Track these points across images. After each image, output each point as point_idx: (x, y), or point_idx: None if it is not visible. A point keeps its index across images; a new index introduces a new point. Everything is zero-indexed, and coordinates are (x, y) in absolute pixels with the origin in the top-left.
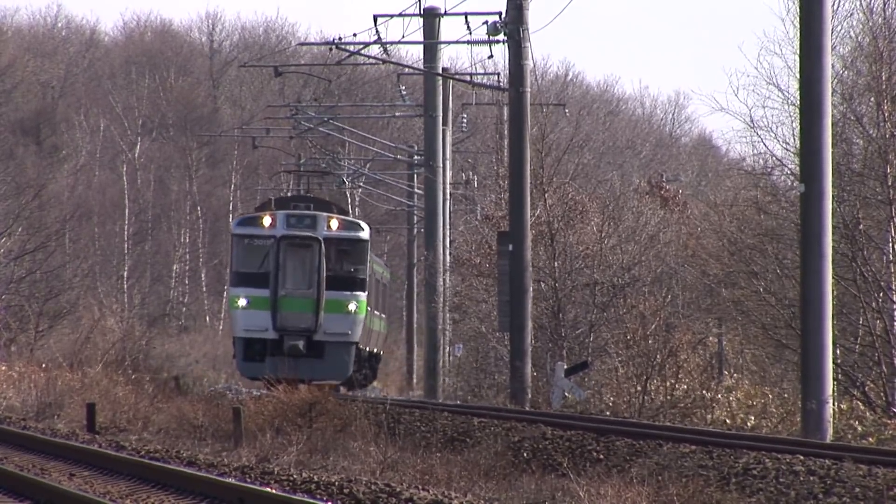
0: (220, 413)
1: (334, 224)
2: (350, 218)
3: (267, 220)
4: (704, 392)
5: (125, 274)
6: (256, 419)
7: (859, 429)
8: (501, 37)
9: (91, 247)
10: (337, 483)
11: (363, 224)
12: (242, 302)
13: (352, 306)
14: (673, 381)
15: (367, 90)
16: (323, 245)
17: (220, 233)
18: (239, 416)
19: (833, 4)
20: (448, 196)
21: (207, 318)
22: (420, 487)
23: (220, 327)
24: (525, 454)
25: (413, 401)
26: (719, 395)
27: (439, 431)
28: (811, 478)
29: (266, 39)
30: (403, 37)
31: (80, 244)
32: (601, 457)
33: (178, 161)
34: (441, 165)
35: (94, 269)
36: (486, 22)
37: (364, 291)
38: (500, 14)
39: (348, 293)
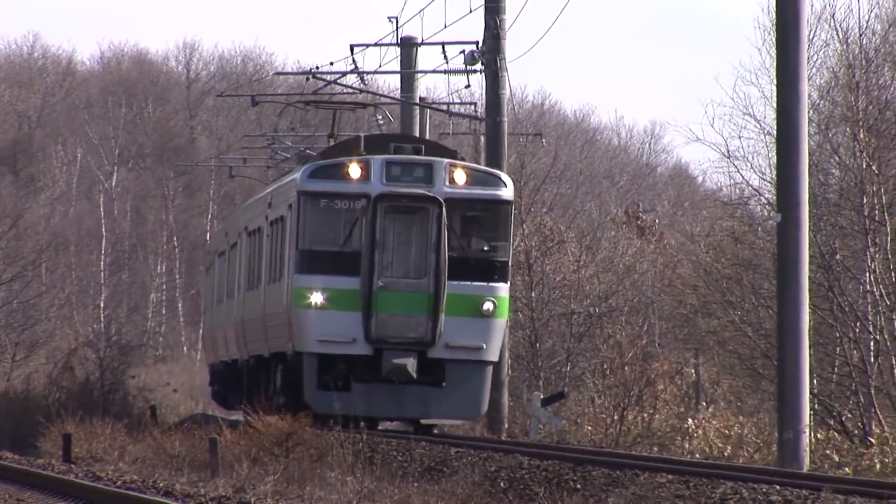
0: (197, 443)
1: (460, 176)
2: (484, 168)
3: (355, 170)
4: (681, 422)
5: (101, 304)
6: (233, 449)
7: (836, 459)
8: (479, 66)
9: (68, 276)
10: None
11: (504, 177)
12: (317, 298)
13: (488, 305)
14: (651, 410)
15: (344, 119)
16: (445, 209)
17: (196, 263)
18: (215, 446)
19: (809, 34)
20: None
21: (185, 349)
22: None
23: (198, 357)
24: (502, 484)
25: (390, 430)
26: (696, 425)
27: (416, 461)
28: None
29: (243, 69)
30: (381, 66)
31: (57, 274)
32: (578, 486)
33: (154, 191)
34: None
35: (71, 298)
36: (464, 51)
37: (506, 282)
38: (477, 44)
39: (483, 284)
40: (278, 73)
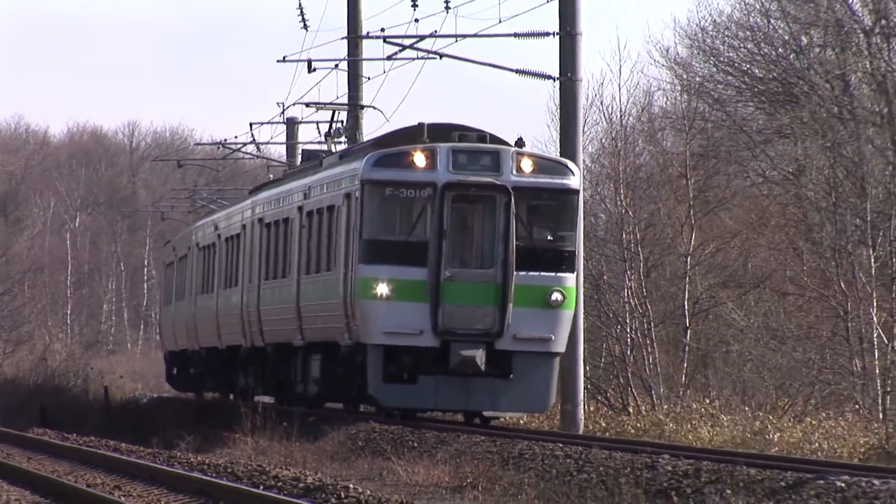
0: (138, 414)
1: (527, 165)
2: (551, 156)
3: (420, 159)
4: None
5: (68, 311)
6: (165, 419)
7: (603, 424)
8: (343, 139)
9: (43, 292)
10: (223, 464)
11: (571, 166)
12: (382, 289)
13: (556, 296)
14: None
15: (246, 178)
16: (513, 198)
17: (138, 282)
18: (150, 416)
19: (584, 115)
20: None
21: (129, 345)
22: (283, 467)
23: (139, 350)
24: (360, 443)
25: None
26: None
27: (299, 426)
28: (568, 460)
29: (172, 140)
30: (272, 138)
31: (35, 290)
32: (415, 445)
33: (106, 229)
34: None
35: (45, 308)
36: (330, 128)
37: (573, 272)
38: (342, 122)
39: (551, 275)
40: (197, 144)
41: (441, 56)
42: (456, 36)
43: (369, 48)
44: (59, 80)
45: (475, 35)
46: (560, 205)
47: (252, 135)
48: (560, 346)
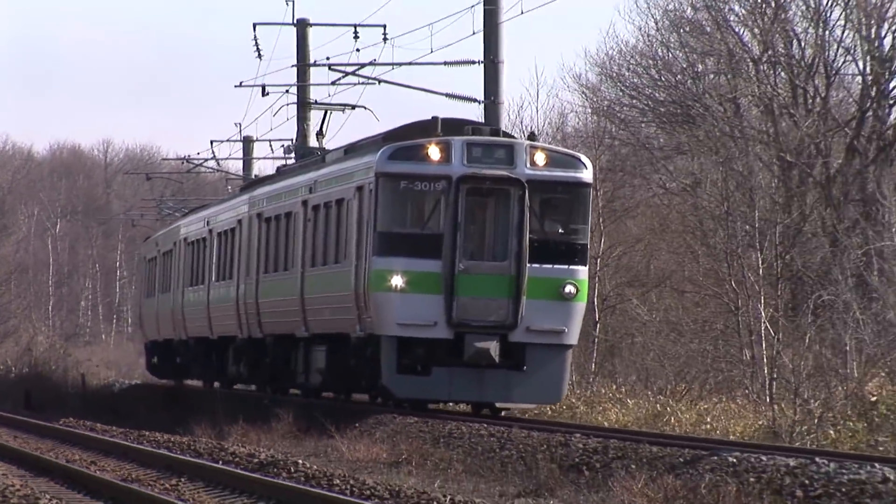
0: (112, 398)
1: (540, 158)
2: (564, 150)
3: (435, 152)
4: None
5: (50, 307)
6: (136, 402)
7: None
8: (293, 156)
9: (28, 290)
10: (186, 442)
11: (584, 159)
12: (397, 281)
13: (569, 288)
14: None
15: (207, 189)
16: (527, 191)
17: (111, 281)
18: (120, 398)
19: None
20: None
21: (103, 336)
22: (240, 445)
23: (112, 342)
24: (307, 424)
25: (241, 391)
26: None
27: (256, 409)
28: (491, 438)
29: (142, 155)
30: (230, 155)
31: (21, 288)
32: (356, 425)
33: (83, 235)
34: None
35: (30, 304)
36: (283, 145)
37: (586, 265)
38: (292, 140)
39: (563, 267)
40: (164, 159)
41: (379, 82)
42: (393, 64)
43: (316, 75)
44: (41, 102)
45: (410, 63)
46: (573, 198)
47: (213, 151)
48: (573, 338)
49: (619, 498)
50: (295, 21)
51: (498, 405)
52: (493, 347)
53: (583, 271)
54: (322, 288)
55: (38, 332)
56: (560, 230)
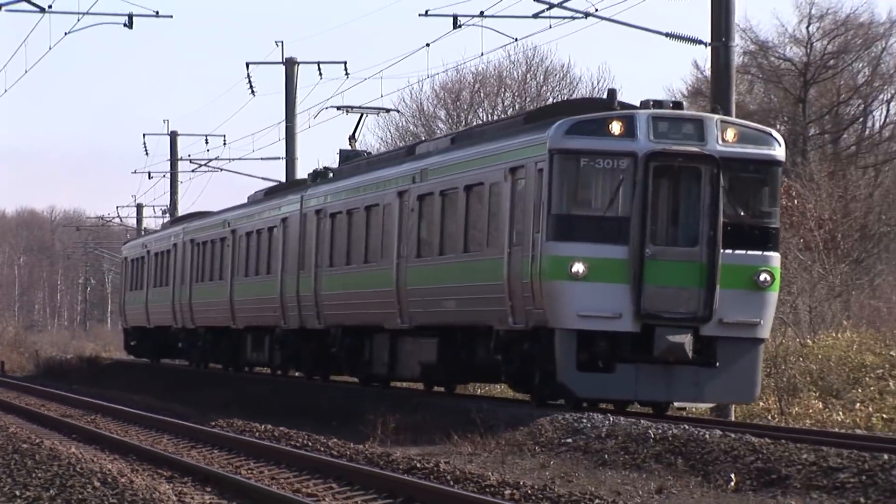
0: (60, 367)
1: (731, 134)
2: (755, 124)
3: (616, 127)
4: None
5: (16, 309)
6: (78, 371)
7: None
8: (168, 217)
9: (2, 300)
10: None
11: (776, 135)
12: (578, 268)
13: (764, 277)
14: None
15: (116, 237)
16: (721, 170)
17: (55, 293)
18: (67, 368)
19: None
20: None
21: (49, 327)
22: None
23: (55, 330)
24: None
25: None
26: None
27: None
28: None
29: (74, 214)
30: (128, 216)
31: None
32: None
33: (38, 264)
34: None
35: (3, 308)
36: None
37: (779, 252)
38: (166, 205)
39: (757, 254)
40: (89, 217)
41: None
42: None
43: (183, 165)
44: (10, 178)
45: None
46: (766, 177)
47: (118, 213)
48: (766, 331)
49: None
50: (170, 132)
51: (676, 405)
52: (688, 342)
53: (776, 258)
54: (439, 279)
55: (8, 325)
56: (753, 212)
